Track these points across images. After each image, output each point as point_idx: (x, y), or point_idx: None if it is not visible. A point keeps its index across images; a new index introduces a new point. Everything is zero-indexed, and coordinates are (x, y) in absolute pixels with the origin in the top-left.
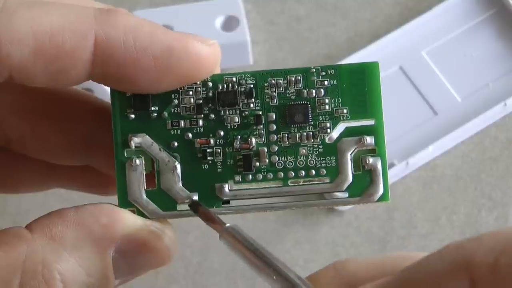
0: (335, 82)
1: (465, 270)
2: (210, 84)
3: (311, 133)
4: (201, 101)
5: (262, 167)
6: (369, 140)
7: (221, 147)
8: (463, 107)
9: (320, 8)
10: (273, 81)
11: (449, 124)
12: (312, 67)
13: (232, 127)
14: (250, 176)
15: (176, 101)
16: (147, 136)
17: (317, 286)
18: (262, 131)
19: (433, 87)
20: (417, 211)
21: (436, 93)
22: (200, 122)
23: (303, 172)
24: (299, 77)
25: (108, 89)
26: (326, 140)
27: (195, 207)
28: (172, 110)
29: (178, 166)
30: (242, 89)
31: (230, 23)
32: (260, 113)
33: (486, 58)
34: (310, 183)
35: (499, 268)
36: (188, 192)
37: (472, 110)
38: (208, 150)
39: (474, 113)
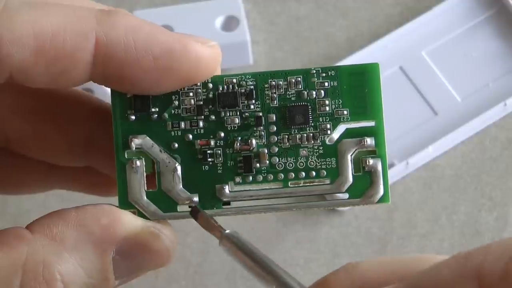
0: (335, 83)
1: (474, 279)
2: (211, 85)
3: (311, 134)
4: (201, 102)
5: (263, 168)
6: (370, 141)
7: (221, 149)
8: (463, 107)
9: (320, 8)
10: (273, 82)
11: (449, 124)
12: (313, 68)
13: (233, 128)
14: (251, 178)
15: (176, 103)
16: (147, 137)
17: None
18: (263, 133)
19: (433, 87)
20: (417, 211)
21: (436, 93)
22: (201, 124)
23: (303, 174)
24: (299, 78)
25: (108, 89)
26: (327, 142)
27: (195, 214)
28: (173, 111)
29: (179, 168)
30: (243, 90)
31: (230, 23)
32: (261, 114)
33: (486, 58)
34: (311, 184)
35: (508, 276)
36: (189, 193)
37: (472, 110)
38: (209, 152)
39: (474, 113)
